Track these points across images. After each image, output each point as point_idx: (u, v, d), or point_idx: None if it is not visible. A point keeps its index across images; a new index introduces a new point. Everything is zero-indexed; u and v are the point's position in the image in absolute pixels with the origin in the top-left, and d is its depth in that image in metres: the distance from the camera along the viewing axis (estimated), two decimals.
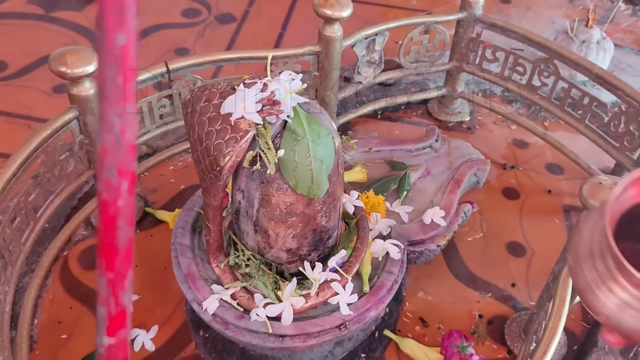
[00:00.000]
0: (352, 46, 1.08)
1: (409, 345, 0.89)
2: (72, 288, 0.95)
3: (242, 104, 0.60)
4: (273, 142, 0.65)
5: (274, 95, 0.62)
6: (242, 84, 0.63)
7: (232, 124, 0.61)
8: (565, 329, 0.93)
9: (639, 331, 0.44)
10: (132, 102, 0.24)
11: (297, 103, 0.66)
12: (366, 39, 1.09)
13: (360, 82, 1.16)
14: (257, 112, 0.61)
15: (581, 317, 0.97)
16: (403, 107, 1.34)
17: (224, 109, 0.61)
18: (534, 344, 0.74)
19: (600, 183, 0.69)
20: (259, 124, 0.62)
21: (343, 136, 0.75)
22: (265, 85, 0.63)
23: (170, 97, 0.99)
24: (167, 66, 0.95)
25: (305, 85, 0.64)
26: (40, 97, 1.28)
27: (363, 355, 0.88)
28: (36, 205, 0.86)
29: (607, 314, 0.45)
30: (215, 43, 1.45)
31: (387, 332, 0.90)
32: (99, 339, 0.27)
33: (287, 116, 0.64)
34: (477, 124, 1.32)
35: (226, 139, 0.60)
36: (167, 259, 0.96)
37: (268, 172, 0.65)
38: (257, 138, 0.63)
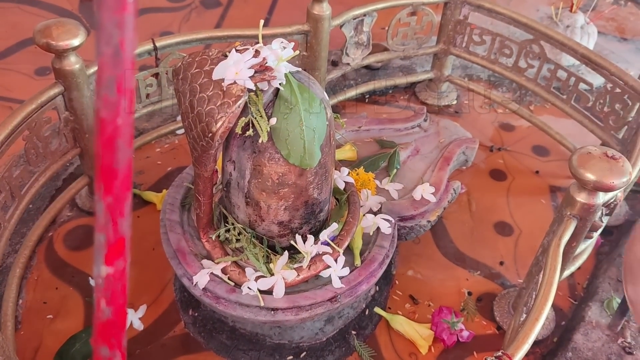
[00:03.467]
0: (341, 27, 1.08)
1: (399, 322, 0.89)
2: (57, 269, 0.93)
3: (235, 69, 0.59)
4: (265, 110, 0.64)
5: (266, 62, 0.61)
6: (233, 50, 0.62)
7: (224, 89, 0.60)
8: (554, 306, 0.94)
9: None
10: (131, 12, 0.23)
11: (289, 71, 0.65)
12: (354, 19, 1.09)
13: (348, 64, 1.16)
14: (250, 77, 0.60)
15: (568, 293, 0.98)
16: (390, 91, 1.34)
17: (216, 75, 0.60)
18: (524, 315, 0.74)
19: (590, 153, 0.70)
20: (252, 90, 0.61)
21: (333, 114, 0.75)
22: (257, 51, 0.62)
23: (156, 75, 0.98)
24: (153, 43, 0.93)
25: (297, 52, 0.64)
26: (21, 80, 1.26)
27: (354, 332, 0.88)
28: (21, 183, 0.84)
29: None
30: (200, 28, 1.43)
31: (377, 310, 0.90)
32: (97, 269, 0.27)
33: (280, 84, 0.63)
34: (464, 107, 1.32)
35: (218, 104, 0.59)
36: (155, 240, 0.95)
37: (260, 140, 0.64)
38: (249, 106, 0.62)
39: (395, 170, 0.94)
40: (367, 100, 1.31)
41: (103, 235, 0.26)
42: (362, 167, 0.91)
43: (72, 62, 0.82)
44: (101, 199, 0.25)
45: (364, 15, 1.09)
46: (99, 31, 0.23)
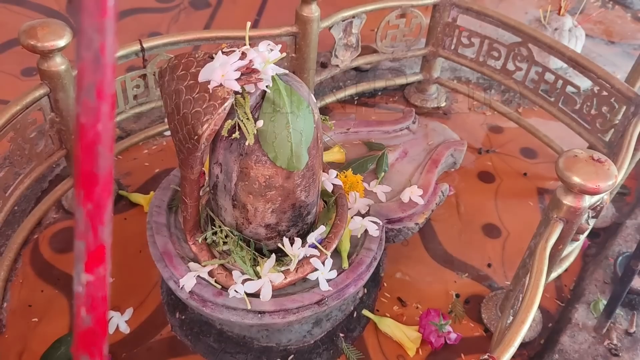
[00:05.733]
0: (330, 28, 1.08)
1: (387, 324, 0.89)
2: (42, 271, 0.92)
3: (221, 72, 0.59)
4: (252, 113, 0.64)
5: (253, 64, 0.61)
6: (220, 52, 0.61)
7: (210, 92, 0.59)
8: (541, 307, 0.95)
9: None
10: (111, 17, 0.23)
11: (276, 74, 0.65)
12: (343, 21, 1.09)
13: (337, 66, 1.16)
14: (236, 80, 0.60)
15: (555, 295, 0.98)
16: (380, 93, 1.34)
17: (202, 77, 0.60)
18: (511, 317, 0.75)
19: (576, 156, 0.70)
20: (238, 93, 0.61)
21: (321, 116, 0.75)
22: (243, 54, 0.62)
23: (144, 77, 0.97)
24: (141, 44, 0.93)
25: (284, 54, 0.63)
26: (8, 80, 1.24)
27: (342, 335, 0.88)
28: (6, 185, 0.83)
29: None
30: (189, 28, 1.42)
31: (365, 312, 0.90)
32: (77, 277, 0.26)
33: (267, 86, 0.63)
34: (453, 109, 1.33)
35: (204, 107, 0.59)
36: (142, 242, 0.94)
37: (247, 143, 0.63)
38: (235, 108, 0.62)
39: (383, 173, 0.94)
40: (356, 102, 1.31)
41: (83, 243, 0.25)
42: (350, 169, 0.91)
43: (58, 63, 0.81)
44: (81, 205, 0.25)
45: (353, 17, 1.09)
46: (79, 36, 0.23)
